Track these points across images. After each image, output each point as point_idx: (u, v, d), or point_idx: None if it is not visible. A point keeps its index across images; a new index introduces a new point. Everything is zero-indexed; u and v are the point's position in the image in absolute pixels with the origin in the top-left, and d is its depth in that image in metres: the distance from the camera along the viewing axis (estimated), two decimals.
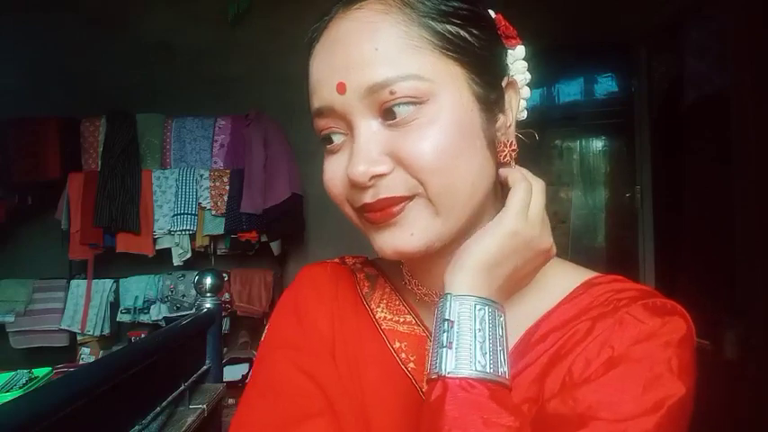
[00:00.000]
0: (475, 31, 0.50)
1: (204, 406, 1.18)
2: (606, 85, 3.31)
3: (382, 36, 0.47)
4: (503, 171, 0.54)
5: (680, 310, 0.51)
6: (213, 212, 3.10)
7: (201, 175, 3.13)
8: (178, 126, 3.20)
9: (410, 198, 0.48)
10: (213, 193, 3.09)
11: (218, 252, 3.22)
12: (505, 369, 0.46)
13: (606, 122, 3.27)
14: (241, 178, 3.09)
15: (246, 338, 3.20)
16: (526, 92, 0.57)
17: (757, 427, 1.81)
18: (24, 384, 1.39)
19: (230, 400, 2.52)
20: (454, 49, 0.49)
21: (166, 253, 3.11)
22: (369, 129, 0.48)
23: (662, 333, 0.48)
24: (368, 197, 0.48)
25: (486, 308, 0.47)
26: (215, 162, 3.19)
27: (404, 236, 0.49)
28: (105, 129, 3.11)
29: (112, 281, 3.11)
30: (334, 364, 0.58)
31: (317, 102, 0.50)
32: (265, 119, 3.16)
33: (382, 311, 0.61)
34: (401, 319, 0.60)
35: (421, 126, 0.47)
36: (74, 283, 3.12)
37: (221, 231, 3.10)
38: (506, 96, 0.54)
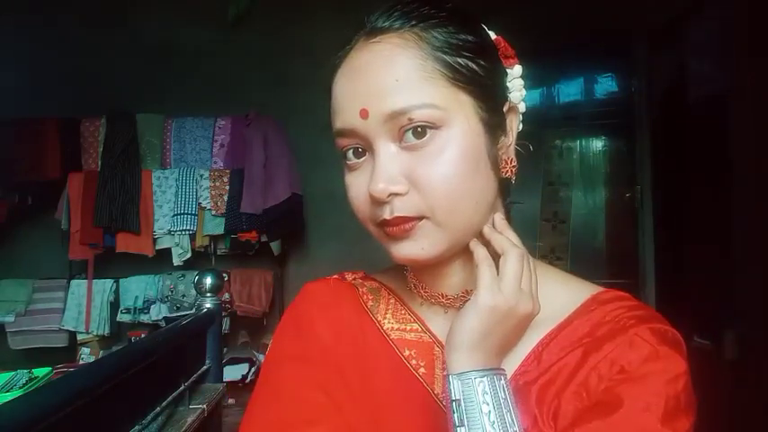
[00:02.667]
0: (481, 62, 0.55)
1: (204, 406, 1.18)
2: (606, 85, 3.31)
3: (401, 68, 0.53)
4: (487, 231, 0.58)
5: (680, 341, 0.56)
6: (213, 212, 3.10)
7: (201, 175, 3.13)
8: (178, 126, 3.20)
9: (419, 219, 0.54)
10: (213, 193, 3.09)
11: (218, 252, 3.22)
12: (515, 428, 0.50)
13: (606, 122, 3.26)
14: (241, 178, 3.09)
15: (246, 338, 3.20)
16: (522, 107, 0.62)
17: (757, 427, 1.81)
18: (24, 384, 1.39)
19: (230, 400, 2.52)
20: (463, 79, 0.54)
21: (166, 253, 3.11)
22: (388, 150, 0.54)
23: (668, 369, 0.52)
24: (386, 213, 0.54)
25: (485, 378, 0.51)
26: (215, 162, 3.19)
27: (416, 249, 0.55)
28: (105, 129, 3.11)
29: (112, 281, 3.11)
30: (339, 373, 0.60)
31: (339, 123, 0.56)
32: (265, 119, 3.16)
33: (389, 322, 0.64)
34: (408, 328, 0.63)
35: (434, 152, 0.53)
36: (74, 282, 3.12)
37: (221, 231, 3.10)
38: (508, 119, 0.59)
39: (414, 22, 0.54)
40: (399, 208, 0.53)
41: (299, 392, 0.59)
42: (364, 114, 0.53)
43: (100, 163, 3.09)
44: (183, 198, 3.09)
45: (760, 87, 1.87)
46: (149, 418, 0.96)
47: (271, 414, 0.59)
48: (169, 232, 3.09)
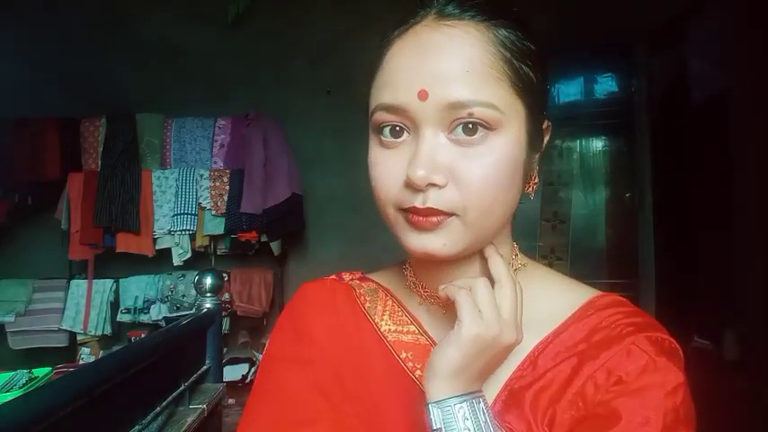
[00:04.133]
0: (539, 75, 0.54)
1: (204, 406, 1.18)
2: (606, 85, 3.30)
3: (473, 59, 0.50)
4: (488, 251, 0.57)
5: (678, 351, 0.55)
6: (213, 212, 3.10)
7: (201, 175, 3.12)
8: (178, 126, 3.20)
9: (449, 215, 0.52)
10: (213, 193, 3.09)
11: (218, 252, 3.22)
12: None
13: (606, 122, 3.26)
14: (241, 178, 3.09)
15: (246, 338, 3.20)
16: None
17: (757, 427, 1.81)
18: (24, 384, 1.39)
19: (230, 400, 2.52)
20: (523, 87, 0.52)
21: (166, 253, 3.11)
22: (436, 139, 0.51)
23: (666, 381, 0.52)
24: (418, 201, 0.51)
25: (465, 403, 0.50)
26: (215, 162, 3.19)
27: (437, 244, 0.53)
28: (105, 129, 3.11)
29: (112, 281, 3.11)
30: (335, 373, 0.60)
31: (389, 98, 0.52)
32: (265, 119, 3.16)
33: (386, 324, 0.63)
34: (405, 329, 0.62)
35: (482, 152, 0.51)
36: (74, 282, 3.12)
37: (221, 231, 3.10)
38: (544, 137, 0.60)
39: (486, 17, 0.52)
40: (434, 200, 0.51)
41: (296, 393, 0.59)
42: (423, 96, 0.50)
43: (100, 163, 3.09)
44: (183, 198, 3.09)
45: (760, 87, 1.87)
46: (149, 418, 0.96)
47: (269, 414, 0.59)
48: (169, 232, 3.09)
